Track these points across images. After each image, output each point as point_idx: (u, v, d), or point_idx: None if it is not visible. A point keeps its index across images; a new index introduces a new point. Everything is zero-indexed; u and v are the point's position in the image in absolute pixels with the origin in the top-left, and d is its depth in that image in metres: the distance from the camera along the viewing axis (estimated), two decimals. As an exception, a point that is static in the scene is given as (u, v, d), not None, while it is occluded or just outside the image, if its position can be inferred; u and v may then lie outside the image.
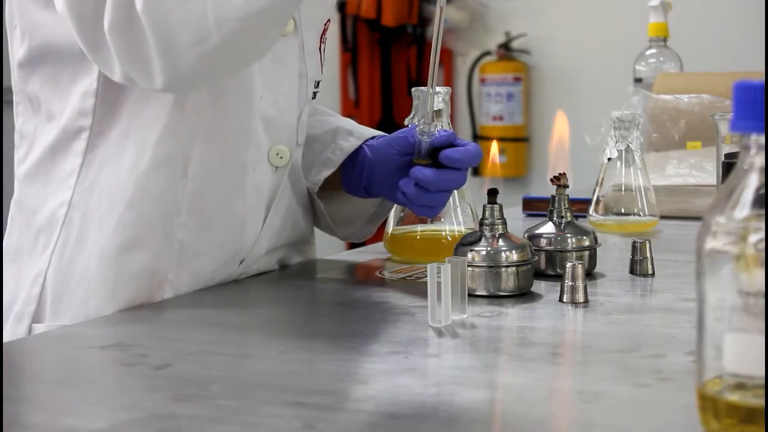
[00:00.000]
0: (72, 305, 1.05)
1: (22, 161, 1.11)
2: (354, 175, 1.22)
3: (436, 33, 1.05)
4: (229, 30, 0.93)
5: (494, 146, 1.12)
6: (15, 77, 1.12)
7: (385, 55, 3.86)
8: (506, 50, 3.71)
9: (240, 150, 1.10)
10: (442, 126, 1.18)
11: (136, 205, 1.05)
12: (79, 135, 1.06)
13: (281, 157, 1.14)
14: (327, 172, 1.22)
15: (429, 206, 1.12)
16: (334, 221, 1.26)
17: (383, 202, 1.27)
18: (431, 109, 1.10)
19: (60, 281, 1.06)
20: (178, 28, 0.93)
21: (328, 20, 1.21)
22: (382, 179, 1.18)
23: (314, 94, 1.20)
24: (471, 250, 1.02)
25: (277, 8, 0.95)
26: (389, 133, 1.20)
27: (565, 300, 1.00)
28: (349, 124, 1.26)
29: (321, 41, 1.19)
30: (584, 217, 1.49)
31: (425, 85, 1.10)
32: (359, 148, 1.21)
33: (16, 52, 1.10)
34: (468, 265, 0.98)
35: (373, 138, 1.22)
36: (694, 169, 1.67)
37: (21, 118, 1.12)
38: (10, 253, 1.11)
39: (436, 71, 1.07)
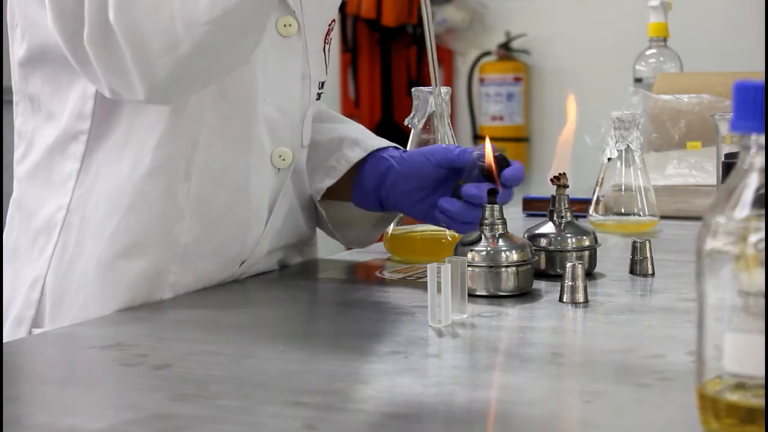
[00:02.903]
0: (71, 310, 1.05)
1: (21, 161, 1.11)
2: (367, 187, 1.20)
3: (429, 35, 1.05)
4: (199, 34, 0.92)
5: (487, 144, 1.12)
6: (15, 76, 1.11)
7: (385, 55, 3.86)
8: (506, 50, 3.71)
9: (243, 153, 1.09)
10: (442, 127, 1.17)
11: (134, 211, 1.04)
12: (78, 138, 1.06)
13: (284, 159, 1.13)
14: (330, 181, 1.21)
15: (472, 222, 1.09)
16: (335, 227, 1.25)
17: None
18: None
19: (59, 286, 1.06)
20: (149, 35, 0.92)
21: (333, 21, 1.20)
22: (410, 192, 1.16)
23: (318, 95, 1.19)
24: (471, 250, 1.02)
25: (246, 10, 0.94)
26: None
27: (565, 300, 0.99)
28: (357, 132, 1.24)
29: (325, 42, 1.18)
30: (584, 217, 1.49)
31: (425, 85, 1.10)
32: (381, 159, 1.19)
33: (16, 50, 1.10)
34: (468, 265, 0.98)
35: (383, 149, 1.20)
36: (694, 169, 1.67)
37: (20, 117, 1.12)
38: (9, 252, 1.11)
39: (436, 71, 1.07)
